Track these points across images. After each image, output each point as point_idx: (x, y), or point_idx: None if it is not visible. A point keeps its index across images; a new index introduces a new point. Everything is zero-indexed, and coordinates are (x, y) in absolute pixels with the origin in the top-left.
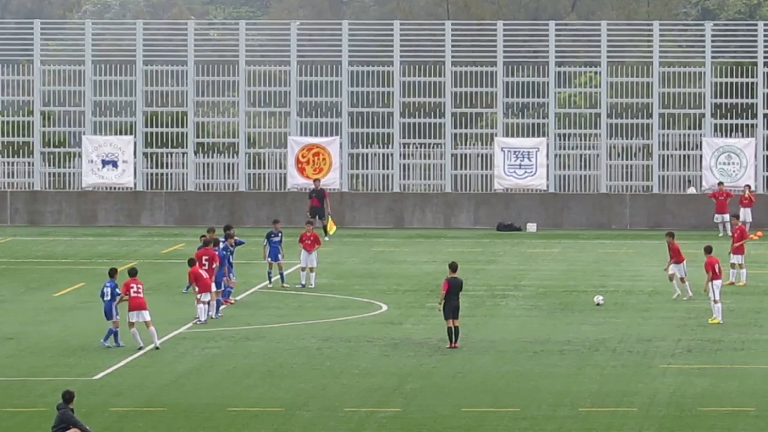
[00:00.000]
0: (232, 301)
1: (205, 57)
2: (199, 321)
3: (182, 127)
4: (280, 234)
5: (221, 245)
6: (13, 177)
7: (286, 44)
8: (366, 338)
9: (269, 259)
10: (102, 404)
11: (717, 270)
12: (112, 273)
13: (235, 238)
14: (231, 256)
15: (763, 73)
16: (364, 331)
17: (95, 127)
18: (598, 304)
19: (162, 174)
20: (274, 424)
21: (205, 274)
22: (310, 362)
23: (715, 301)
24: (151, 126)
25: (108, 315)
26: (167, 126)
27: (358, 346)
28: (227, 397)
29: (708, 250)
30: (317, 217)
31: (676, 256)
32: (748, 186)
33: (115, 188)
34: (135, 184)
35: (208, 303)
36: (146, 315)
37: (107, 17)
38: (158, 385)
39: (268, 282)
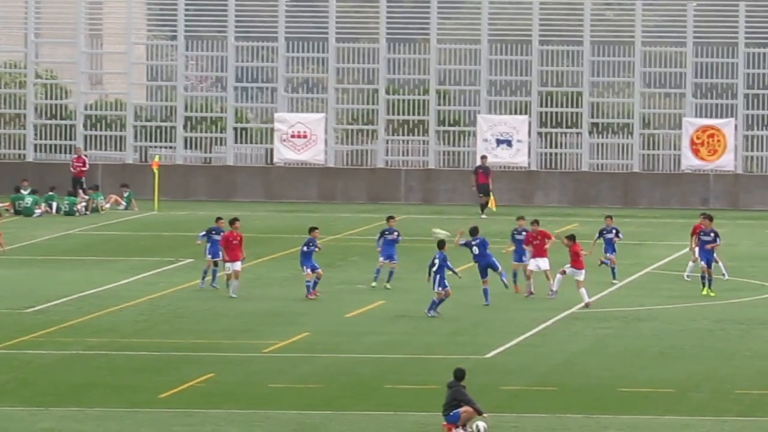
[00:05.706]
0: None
1: (600, 37)
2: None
3: (577, 107)
4: (395, 232)
5: None
6: (407, 155)
7: (682, 25)
8: (759, 321)
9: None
10: (493, 383)
11: None
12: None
13: None
14: None
15: None
16: (757, 314)
17: (490, 106)
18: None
19: (556, 154)
20: (664, 404)
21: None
22: (702, 344)
23: None
24: (546, 106)
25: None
26: (562, 106)
27: (751, 328)
28: (618, 378)
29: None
30: (483, 193)
31: None
32: None
33: (508, 167)
34: (529, 164)
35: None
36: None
37: None
38: (549, 365)
39: None
